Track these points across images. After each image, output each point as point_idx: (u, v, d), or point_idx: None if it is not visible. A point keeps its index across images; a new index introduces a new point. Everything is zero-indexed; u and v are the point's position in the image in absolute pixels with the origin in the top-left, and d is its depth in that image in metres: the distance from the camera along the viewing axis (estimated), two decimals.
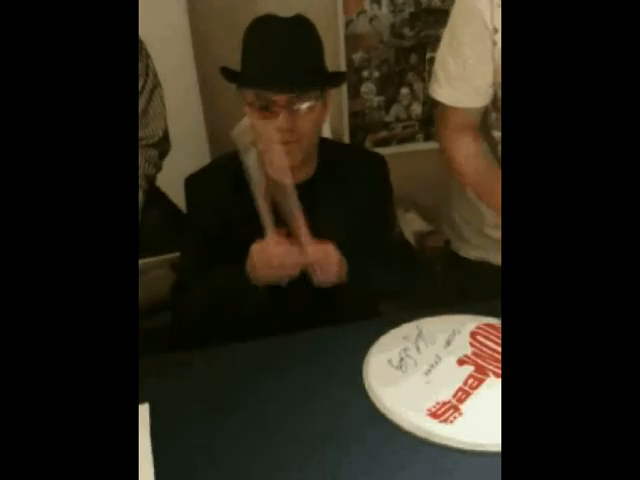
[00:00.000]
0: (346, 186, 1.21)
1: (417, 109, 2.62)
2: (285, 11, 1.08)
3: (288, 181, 1.07)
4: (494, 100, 1.17)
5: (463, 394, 0.93)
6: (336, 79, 1.15)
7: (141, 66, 1.53)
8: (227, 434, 0.90)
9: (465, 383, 0.95)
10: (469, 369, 0.99)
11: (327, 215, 1.17)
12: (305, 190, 1.18)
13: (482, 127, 1.23)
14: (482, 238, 1.34)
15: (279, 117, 1.04)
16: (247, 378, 0.97)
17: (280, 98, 1.03)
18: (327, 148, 1.23)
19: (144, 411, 0.94)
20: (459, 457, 0.83)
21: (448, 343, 1.05)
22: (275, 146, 1.07)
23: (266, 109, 1.05)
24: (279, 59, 1.03)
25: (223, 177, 1.20)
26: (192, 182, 1.23)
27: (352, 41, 2.45)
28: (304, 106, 1.05)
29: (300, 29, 1.08)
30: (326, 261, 1.07)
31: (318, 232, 1.13)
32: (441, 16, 2.50)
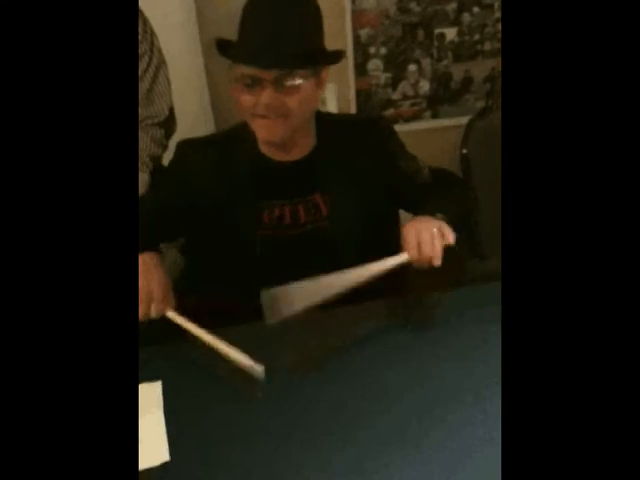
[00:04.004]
0: (349, 155, 1.19)
1: (425, 86, 2.59)
2: None
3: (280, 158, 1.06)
4: None
5: None
6: (329, 57, 1.12)
7: (146, 44, 1.51)
8: (240, 410, 0.92)
9: None
10: None
11: (334, 187, 1.17)
12: (305, 166, 1.17)
13: None
14: None
15: (264, 92, 1.03)
16: (264, 356, 0.97)
17: (267, 75, 1.02)
18: (325, 122, 1.22)
19: (157, 388, 0.96)
20: None
21: None
22: (259, 120, 1.07)
23: (254, 85, 1.04)
24: (268, 36, 1.02)
25: (213, 152, 1.20)
26: (183, 147, 1.24)
27: (358, 17, 2.42)
28: (292, 83, 1.04)
29: (296, 5, 1.06)
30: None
31: (328, 204, 1.13)
32: None
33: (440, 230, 1.01)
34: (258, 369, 0.94)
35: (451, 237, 1.01)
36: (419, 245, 0.99)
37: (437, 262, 0.99)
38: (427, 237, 0.99)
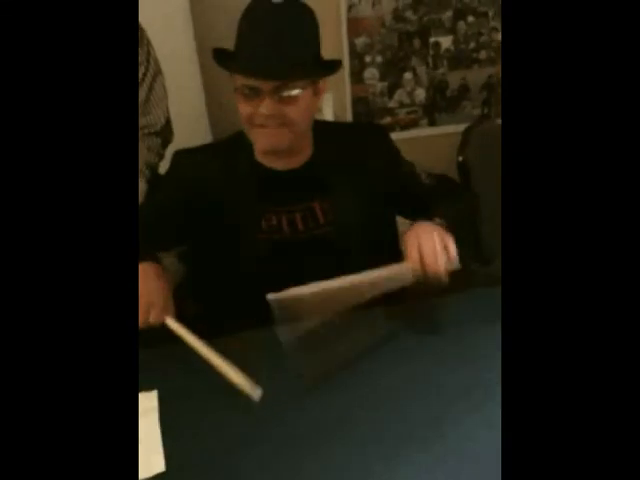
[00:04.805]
0: (346, 162, 1.19)
1: (421, 94, 2.60)
2: None
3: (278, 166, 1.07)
4: None
5: None
6: (327, 68, 1.13)
7: (142, 53, 1.52)
8: (238, 415, 0.91)
9: None
10: None
11: (333, 195, 1.17)
12: (302, 175, 1.18)
13: None
14: None
15: (263, 103, 1.04)
16: (257, 365, 0.96)
17: (266, 85, 1.02)
18: (322, 130, 1.22)
19: (153, 398, 0.96)
20: None
21: None
22: (258, 129, 1.08)
23: (253, 94, 1.04)
24: (267, 47, 1.02)
25: (209, 161, 1.20)
26: (180, 157, 1.24)
27: (354, 25, 2.44)
28: (290, 94, 1.04)
29: (293, 15, 1.06)
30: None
31: (327, 212, 1.14)
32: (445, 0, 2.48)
33: (442, 240, 0.98)
34: (255, 392, 0.92)
35: (453, 247, 0.98)
36: (421, 259, 0.97)
37: (443, 278, 0.97)
38: (429, 250, 0.97)
